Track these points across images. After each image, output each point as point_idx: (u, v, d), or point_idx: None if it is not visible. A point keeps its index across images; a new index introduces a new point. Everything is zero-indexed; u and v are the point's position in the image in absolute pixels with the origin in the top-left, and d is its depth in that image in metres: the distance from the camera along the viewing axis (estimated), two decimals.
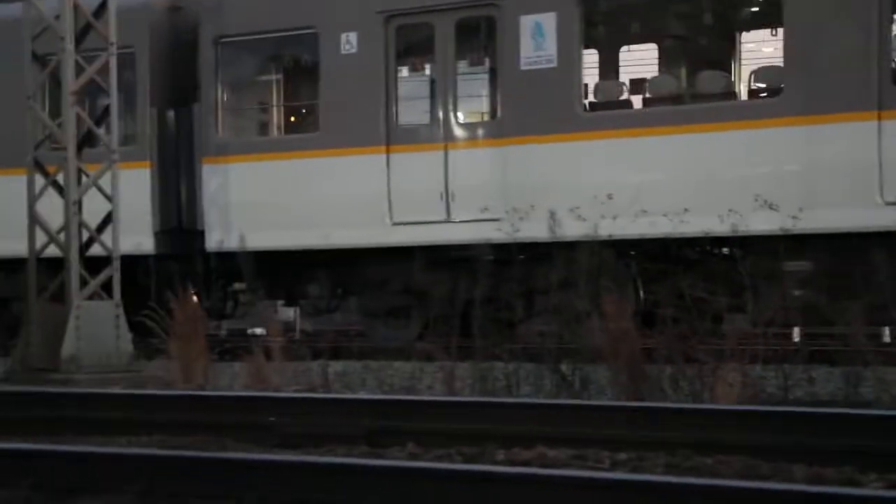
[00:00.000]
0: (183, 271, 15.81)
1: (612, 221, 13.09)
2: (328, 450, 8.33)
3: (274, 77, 16.64)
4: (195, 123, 16.36)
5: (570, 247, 12.92)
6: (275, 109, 16.79)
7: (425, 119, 15.44)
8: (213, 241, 16.03)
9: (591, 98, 14.94)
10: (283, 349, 12.98)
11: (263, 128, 16.84)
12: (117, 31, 13.69)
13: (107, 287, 13.77)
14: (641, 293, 13.62)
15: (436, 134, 15.11)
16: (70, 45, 13.37)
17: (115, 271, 13.69)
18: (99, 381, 12.87)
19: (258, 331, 16.76)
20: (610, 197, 13.15)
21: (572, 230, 13.30)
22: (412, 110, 15.64)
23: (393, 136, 15.22)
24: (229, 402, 10.21)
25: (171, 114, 16.57)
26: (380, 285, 15.51)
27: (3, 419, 9.90)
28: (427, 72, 15.73)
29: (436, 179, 14.93)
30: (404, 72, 15.72)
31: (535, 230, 13.68)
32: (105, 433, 9.17)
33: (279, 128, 16.78)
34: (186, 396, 10.79)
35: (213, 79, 16.12)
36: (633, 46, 17.14)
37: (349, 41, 15.38)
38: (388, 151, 15.18)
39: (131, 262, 15.13)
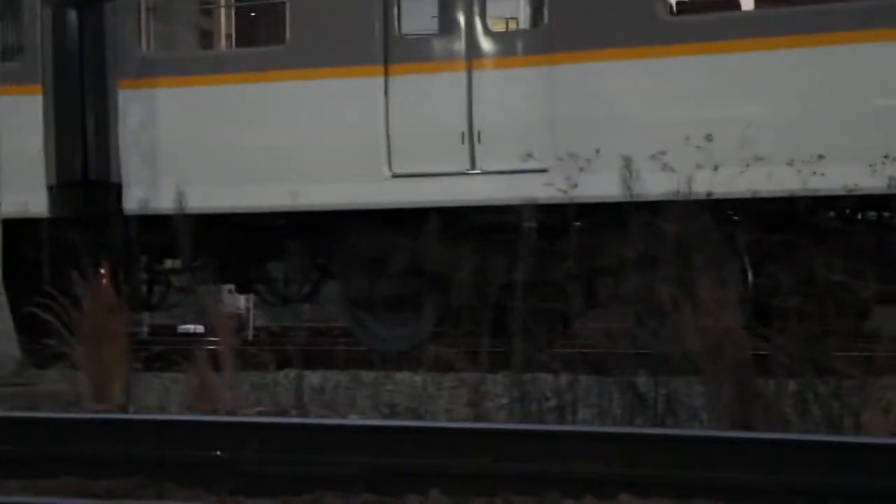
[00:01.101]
0: (90, 242, 15.91)
1: (711, 173, 13.15)
2: (311, 498, 8.41)
3: None
4: (107, 31, 16.48)
5: (651, 209, 12.93)
6: (222, 11, 16.79)
7: (439, 26, 15.50)
8: (133, 200, 16.17)
9: None
10: (235, 354, 13.05)
11: (206, 38, 16.80)
12: None
13: None
14: (751, 276, 13.66)
15: (455, 48, 15.24)
16: None
17: None
18: None
19: (197, 328, 16.83)
20: (709, 138, 13.21)
21: (655, 186, 13.33)
22: (421, 13, 15.68)
23: (393, 51, 15.35)
24: (165, 430, 10.23)
25: (72, 16, 16.68)
26: (374, 264, 15.57)
27: None
28: None
29: (455, 113, 15.07)
30: None
31: (600, 185, 13.72)
32: None
33: (228, 38, 16.75)
34: (102, 421, 10.82)
35: None
36: None
37: None
38: (385, 73, 15.31)
39: (15, 229, 15.21)
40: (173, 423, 10.59)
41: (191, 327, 17.14)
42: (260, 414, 11.54)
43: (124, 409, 12.11)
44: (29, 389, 13.36)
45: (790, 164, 13.13)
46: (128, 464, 9.26)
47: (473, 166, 14.98)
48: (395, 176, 15.24)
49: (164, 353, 14.48)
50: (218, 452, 9.35)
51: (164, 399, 12.99)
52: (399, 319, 15.57)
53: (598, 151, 13.76)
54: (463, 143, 14.96)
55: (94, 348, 12.96)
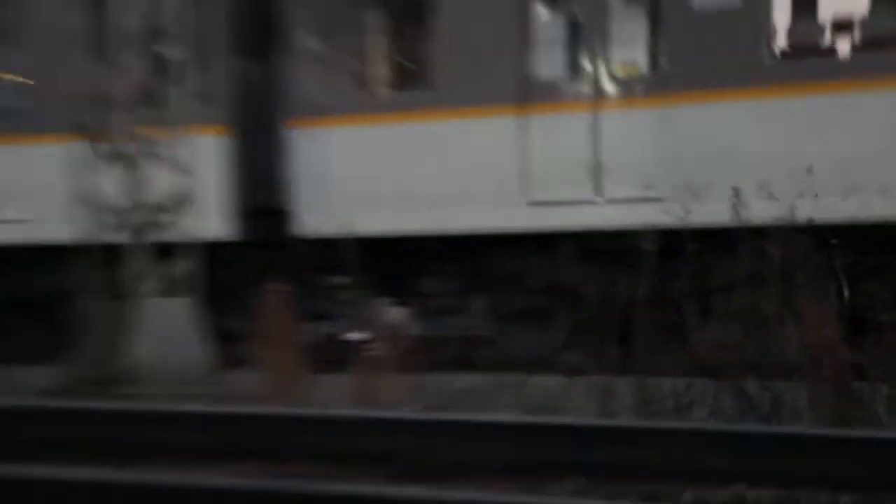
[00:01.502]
0: (269, 262, 16.15)
1: (812, 201, 13.14)
2: (465, 484, 8.49)
3: (376, 21, 16.73)
4: (280, 80, 16.69)
5: (758, 234, 12.93)
6: (378, 61, 16.92)
7: (569, 71, 15.57)
8: (305, 225, 16.36)
9: (782, 43, 14.93)
10: (396, 359, 13.21)
11: (364, 84, 16.93)
12: None
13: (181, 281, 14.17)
14: (847, 293, 13.60)
15: (582, 90, 15.30)
16: None
17: (191, 262, 14.03)
18: (171, 397, 13.18)
19: (361, 336, 16.97)
20: (809, 170, 13.20)
21: (761, 213, 13.32)
22: (552, 60, 15.75)
23: (528, 93, 15.43)
24: (337, 424, 10.39)
25: (251, 68, 16.89)
26: (513, 281, 15.69)
27: (47, 441, 10.30)
28: (572, 12, 15.75)
29: (583, 148, 15.12)
30: (542, 10, 15.79)
31: (712, 213, 13.75)
32: (185, 460, 9.37)
33: (384, 84, 16.88)
34: (285, 417, 11.00)
35: (300, 24, 16.50)
36: None
37: None
38: (520, 112, 15.39)
39: (207, 252, 15.47)
40: (347, 418, 10.79)
41: (354, 335, 17.24)
42: (417, 410, 11.74)
43: (301, 406, 12.32)
44: (220, 389, 13.57)
45: (882, 193, 13.15)
46: (308, 453, 9.43)
47: (600, 195, 15.05)
48: (531, 203, 15.32)
49: (333, 357, 14.69)
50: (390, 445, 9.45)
51: (335, 397, 13.10)
52: (535, 329, 15.59)
53: (710, 182, 13.83)
54: (590, 174, 15.03)
55: (274, 353, 13.21)
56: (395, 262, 16.39)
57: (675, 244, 13.74)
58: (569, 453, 8.74)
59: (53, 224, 16.82)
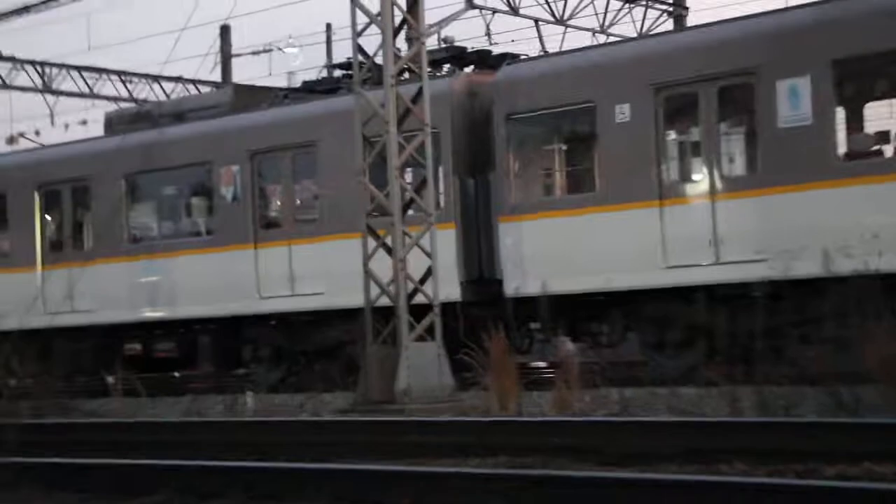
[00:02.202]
0: (484, 315, 16.05)
1: (878, 258, 12.72)
2: (652, 468, 8.13)
3: (556, 145, 16.73)
4: (491, 188, 16.60)
5: (840, 282, 12.57)
6: (558, 173, 16.86)
7: (692, 175, 15.32)
8: (510, 288, 16.17)
9: (843, 149, 14.53)
10: (577, 379, 13.00)
11: (549, 189, 16.91)
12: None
13: (428, 330, 14.12)
14: None
15: (702, 188, 14.98)
16: (393, 128, 13.84)
17: (436, 317, 14.02)
18: (428, 410, 13.14)
19: (555, 361, 16.79)
20: (876, 235, 12.80)
21: (843, 267, 12.95)
22: (680, 168, 15.57)
23: (664, 192, 15.18)
24: (555, 427, 10.19)
25: (470, 181, 16.86)
26: (659, 320, 15.40)
27: (350, 443, 10.28)
28: (692, 134, 15.57)
29: (704, 227, 14.77)
30: (672, 135, 15.62)
31: (805, 267, 13.37)
32: (442, 456, 9.07)
33: (562, 189, 16.78)
34: (515, 422, 10.86)
35: (505, 150, 16.37)
36: (877, 102, 16.64)
37: (623, 111, 15.45)
38: (660, 205, 15.14)
39: (447, 309, 15.42)
40: (562, 422, 10.57)
41: (543, 363, 17.14)
42: (605, 415, 11.52)
43: (520, 414, 12.18)
44: (459, 404, 13.48)
45: None
46: (532, 447, 9.05)
47: (718, 259, 14.70)
48: (669, 267, 15.04)
49: (536, 379, 14.56)
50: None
51: (540, 407, 12.92)
52: (678, 354, 15.22)
53: (802, 247, 13.45)
54: (710, 245, 14.72)
55: (496, 377, 13.08)
56: (575, 310, 16.11)
57: (778, 291, 13.48)
58: (725, 442, 8.36)
59: (338, 295, 17.05)
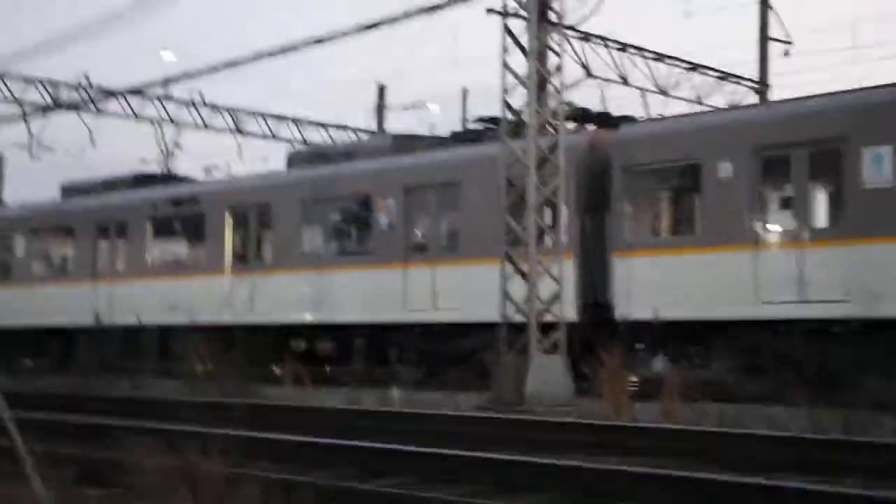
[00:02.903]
0: (594, 335, 15.66)
1: None
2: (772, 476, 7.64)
3: (664, 194, 16.31)
4: (606, 227, 16.22)
5: None
6: (663, 217, 16.42)
7: (784, 224, 14.70)
8: (619, 313, 15.77)
9: None
10: (681, 393, 12.51)
11: (655, 231, 16.45)
12: None
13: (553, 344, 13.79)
14: None
15: (794, 235, 14.39)
16: (533, 173, 13.59)
17: (561, 334, 13.69)
18: (550, 413, 12.80)
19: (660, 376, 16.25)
20: None
21: None
22: (774, 218, 14.98)
23: (760, 238, 14.66)
24: (663, 432, 9.82)
25: (587, 220, 16.50)
26: (750, 349, 14.79)
27: (484, 437, 10.01)
28: (785, 190, 15.00)
29: (793, 270, 14.19)
30: (768, 190, 15.06)
31: (888, 308, 12.72)
32: (560, 452, 8.66)
33: (667, 231, 16.32)
34: (628, 427, 10.48)
35: (620, 196, 16.01)
36: None
37: (725, 168, 14.97)
38: (755, 248, 14.60)
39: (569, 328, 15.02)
40: (678, 430, 10.14)
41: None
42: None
43: (635, 420, 11.78)
44: (579, 409, 13.13)
45: None
46: (649, 450, 8.74)
47: (804, 298, 14.09)
48: (763, 302, 14.47)
49: (642, 391, 14.06)
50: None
51: (646, 416, 12.49)
52: (767, 378, 14.54)
53: (886, 290, 12.81)
54: (797, 284, 14.14)
55: (611, 387, 12.70)
56: (676, 334, 15.55)
57: (860, 327, 12.86)
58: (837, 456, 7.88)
59: (473, 311, 16.82)
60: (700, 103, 23.98)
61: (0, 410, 4.43)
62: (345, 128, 28.87)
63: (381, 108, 29.12)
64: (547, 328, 14.02)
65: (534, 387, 13.25)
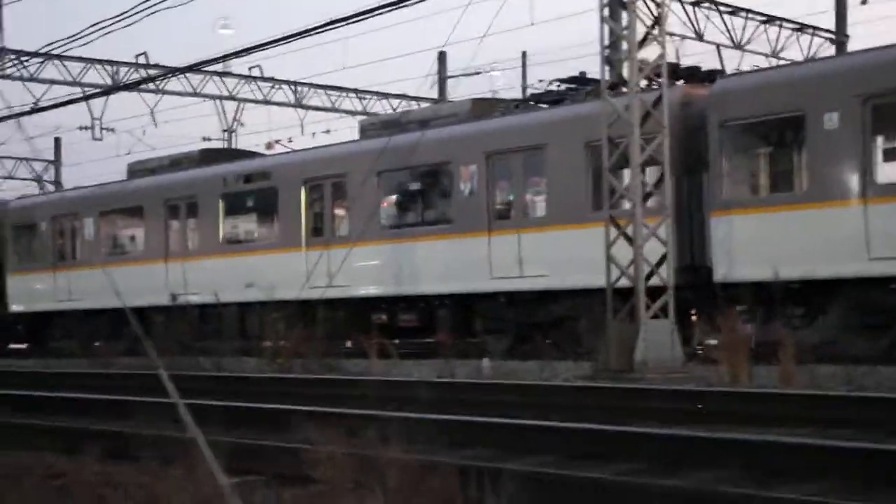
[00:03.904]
0: (691, 297, 14.90)
1: None
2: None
3: (764, 150, 15.42)
4: (704, 186, 15.40)
5: None
6: (763, 174, 15.53)
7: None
8: (719, 275, 14.93)
9: None
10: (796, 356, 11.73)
11: (755, 188, 15.56)
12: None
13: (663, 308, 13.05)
14: None
15: None
16: (637, 130, 12.81)
17: (669, 298, 12.96)
18: (661, 380, 12.10)
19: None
20: None
21: None
22: (886, 170, 14.06)
23: (870, 191, 13.75)
24: (805, 399, 9.05)
25: (684, 180, 15.68)
26: (859, 307, 13.96)
27: (596, 406, 9.35)
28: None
29: None
30: (878, 141, 14.14)
31: None
32: (668, 422, 7.98)
33: (767, 188, 15.40)
34: (756, 394, 9.73)
35: (718, 153, 15.13)
36: None
37: (831, 119, 14.07)
38: (864, 203, 13.71)
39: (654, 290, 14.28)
40: (809, 395, 9.34)
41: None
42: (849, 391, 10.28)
43: (750, 386, 11.01)
44: (688, 376, 12.40)
45: None
46: (801, 419, 8.02)
47: None
48: (872, 259, 13.61)
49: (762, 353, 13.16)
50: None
51: (766, 381, 11.69)
52: (877, 337, 13.80)
53: None
54: None
55: (729, 353, 11.96)
56: (775, 296, 14.59)
57: None
58: None
59: (560, 277, 16.17)
60: (776, 57, 23.03)
61: (171, 396, 3.83)
62: (406, 97, 28.17)
63: (442, 77, 28.35)
64: (651, 293, 13.25)
65: (643, 354, 12.52)
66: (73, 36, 18.74)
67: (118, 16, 17.63)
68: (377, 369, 15.55)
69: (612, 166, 13.35)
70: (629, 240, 12.97)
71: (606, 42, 13.26)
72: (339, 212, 19.71)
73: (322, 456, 4.36)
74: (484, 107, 18.46)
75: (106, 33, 17.91)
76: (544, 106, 17.91)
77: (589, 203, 15.81)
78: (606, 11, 13.00)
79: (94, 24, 17.96)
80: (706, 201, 15.30)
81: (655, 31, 12.94)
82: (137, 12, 17.14)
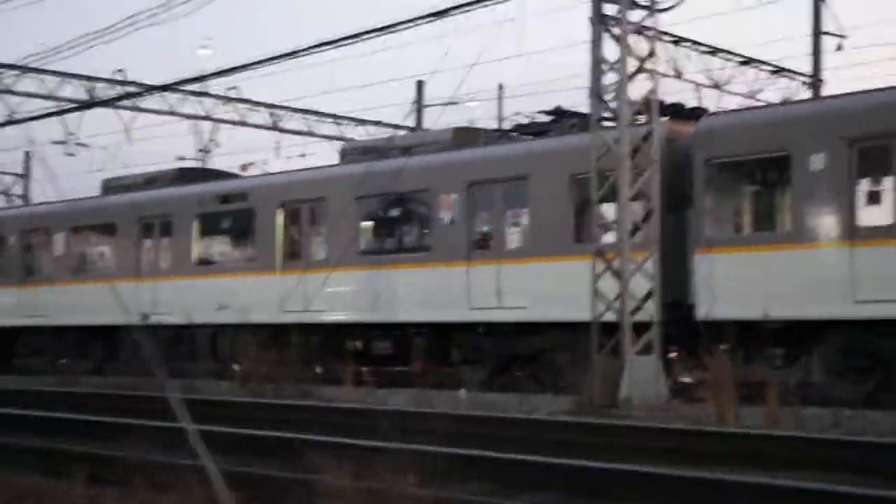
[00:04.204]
0: (674, 334, 14.70)
1: None
2: None
3: (749, 189, 15.34)
4: (688, 223, 15.24)
5: None
6: (747, 213, 15.43)
7: (885, 220, 13.71)
8: (701, 312, 14.75)
9: None
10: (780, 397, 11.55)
11: (738, 227, 15.47)
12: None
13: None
14: None
15: (889, 229, 13.40)
16: (627, 163, 12.66)
17: (655, 334, 12.75)
18: (646, 418, 11.85)
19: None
20: None
21: None
22: (872, 213, 13.99)
23: (855, 234, 13.67)
24: (761, 438, 8.89)
25: (668, 216, 15.47)
26: (842, 350, 13.85)
27: (575, 444, 9.11)
28: (884, 182, 14.01)
29: (892, 270, 13.20)
30: (863, 183, 14.09)
31: None
32: (658, 461, 7.86)
33: (751, 227, 15.28)
34: (732, 433, 9.54)
35: (702, 190, 15.01)
36: None
37: (817, 160, 14.02)
38: (851, 245, 13.62)
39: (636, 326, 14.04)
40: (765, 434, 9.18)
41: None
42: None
43: (744, 427, 10.80)
44: (676, 414, 12.16)
45: None
46: (792, 461, 7.85)
47: None
48: (857, 301, 13.49)
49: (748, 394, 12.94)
50: None
51: (752, 421, 11.50)
52: (860, 380, 13.72)
53: None
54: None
55: (714, 392, 11.74)
56: (755, 336, 14.54)
57: None
58: None
59: (539, 310, 15.94)
60: (754, 98, 23.15)
61: (181, 420, 3.52)
62: (383, 124, 27.96)
63: (419, 105, 28.20)
64: (633, 328, 13.04)
65: (628, 390, 12.28)
66: (53, 48, 18.36)
67: (98, 31, 17.31)
68: (351, 396, 15.23)
69: (600, 199, 13.16)
70: (616, 274, 12.76)
71: (596, 76, 13.12)
72: (317, 236, 19.38)
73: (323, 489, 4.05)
74: (466, 136, 18.28)
75: (88, 48, 17.56)
76: (527, 137, 17.75)
77: (571, 235, 15.62)
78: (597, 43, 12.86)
79: (74, 40, 17.60)
80: (690, 238, 15.15)
81: (648, 65, 12.82)
82: (118, 28, 16.81)
